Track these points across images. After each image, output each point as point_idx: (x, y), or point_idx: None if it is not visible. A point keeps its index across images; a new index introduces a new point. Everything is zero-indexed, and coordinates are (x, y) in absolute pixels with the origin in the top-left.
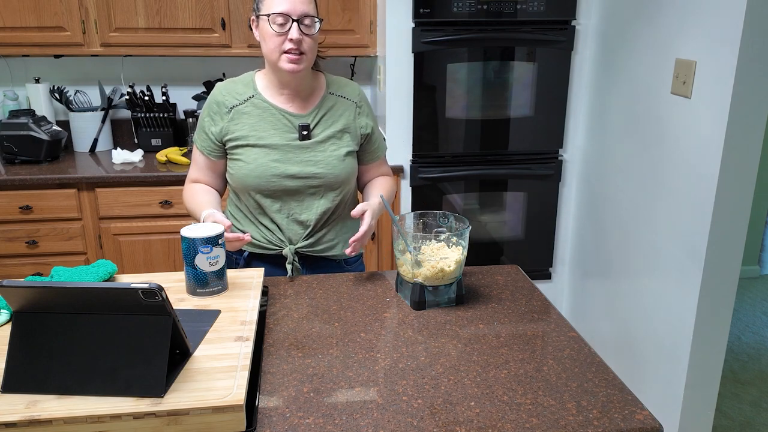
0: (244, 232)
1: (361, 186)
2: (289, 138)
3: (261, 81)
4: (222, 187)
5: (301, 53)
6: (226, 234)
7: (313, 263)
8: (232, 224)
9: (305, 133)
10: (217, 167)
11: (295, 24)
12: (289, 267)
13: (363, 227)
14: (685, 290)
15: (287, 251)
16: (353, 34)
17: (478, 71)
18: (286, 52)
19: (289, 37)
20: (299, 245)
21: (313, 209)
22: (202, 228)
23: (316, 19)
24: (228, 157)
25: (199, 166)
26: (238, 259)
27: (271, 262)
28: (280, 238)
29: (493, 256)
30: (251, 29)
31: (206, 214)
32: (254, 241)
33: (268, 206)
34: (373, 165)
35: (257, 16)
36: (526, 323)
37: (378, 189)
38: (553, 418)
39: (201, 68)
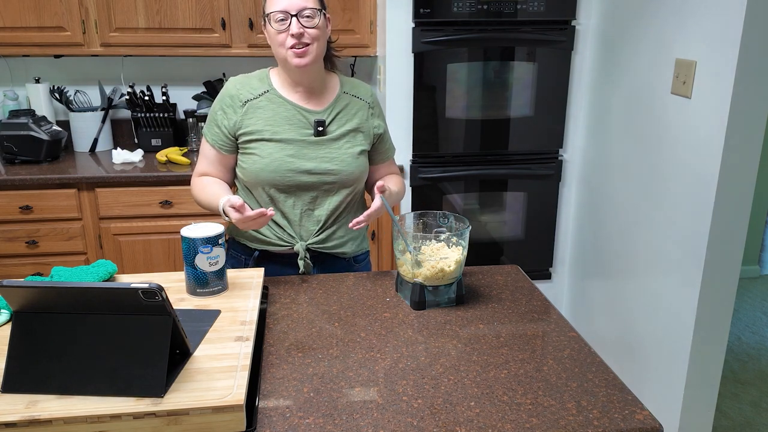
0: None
1: (369, 186)
2: (303, 134)
3: (276, 78)
4: (231, 181)
5: (306, 45)
6: (248, 213)
7: (323, 262)
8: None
9: (320, 129)
10: (228, 161)
11: (294, 19)
12: (300, 263)
13: (374, 205)
14: (685, 290)
15: (299, 247)
16: (353, 34)
17: (478, 71)
18: (291, 48)
19: (290, 32)
20: (310, 241)
21: (325, 205)
22: (202, 228)
23: (317, 11)
24: (240, 151)
25: (209, 160)
26: (248, 259)
27: (282, 261)
28: (291, 235)
29: (493, 256)
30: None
31: (224, 200)
32: (265, 238)
33: (282, 201)
34: (383, 165)
35: (264, 20)
36: (526, 323)
37: (390, 182)
38: (553, 418)
39: (201, 68)
